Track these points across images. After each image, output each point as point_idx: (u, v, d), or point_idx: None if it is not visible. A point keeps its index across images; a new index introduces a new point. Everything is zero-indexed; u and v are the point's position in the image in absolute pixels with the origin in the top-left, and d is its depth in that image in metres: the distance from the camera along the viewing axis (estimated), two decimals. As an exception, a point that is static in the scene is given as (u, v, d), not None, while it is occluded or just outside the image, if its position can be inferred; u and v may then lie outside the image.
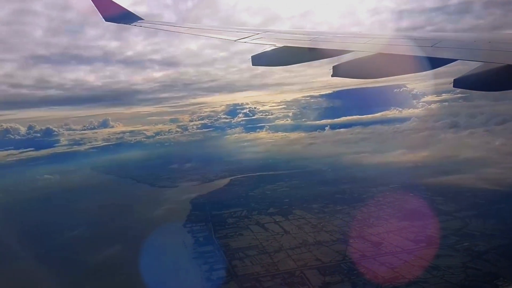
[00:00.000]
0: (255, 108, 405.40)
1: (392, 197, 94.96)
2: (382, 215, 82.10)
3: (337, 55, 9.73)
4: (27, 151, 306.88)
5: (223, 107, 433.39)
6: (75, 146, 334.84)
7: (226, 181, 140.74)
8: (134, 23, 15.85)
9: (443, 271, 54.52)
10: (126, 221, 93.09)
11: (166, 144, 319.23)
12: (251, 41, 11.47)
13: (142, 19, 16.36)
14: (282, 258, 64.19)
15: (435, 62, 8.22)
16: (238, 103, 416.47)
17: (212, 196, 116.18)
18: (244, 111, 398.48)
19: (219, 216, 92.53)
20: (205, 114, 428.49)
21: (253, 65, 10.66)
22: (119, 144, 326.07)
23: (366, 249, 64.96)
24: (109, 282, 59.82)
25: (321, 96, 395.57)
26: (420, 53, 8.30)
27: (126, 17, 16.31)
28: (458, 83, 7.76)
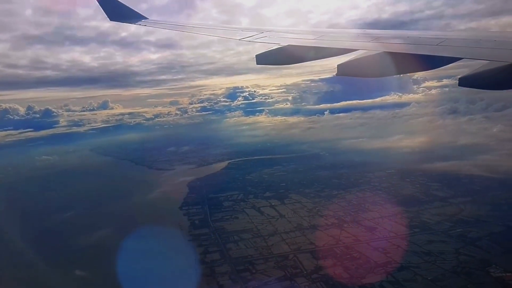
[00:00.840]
0: (254, 91, 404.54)
1: (388, 183, 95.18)
2: (377, 200, 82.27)
3: (342, 54, 9.74)
4: (26, 132, 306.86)
5: (223, 90, 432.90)
6: (74, 127, 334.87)
7: (224, 164, 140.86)
8: (139, 22, 16.12)
9: (436, 257, 54.78)
10: (123, 203, 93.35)
11: (165, 126, 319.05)
12: (255, 40, 11.63)
13: (147, 18, 16.70)
14: (276, 242, 64.51)
15: (440, 61, 8.26)
16: (238, 86, 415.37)
17: (209, 179, 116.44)
18: (244, 94, 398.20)
19: (215, 199, 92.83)
20: (205, 97, 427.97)
21: (257, 64, 10.73)
22: (118, 126, 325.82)
23: (360, 233, 65.25)
24: (101, 263, 60.08)
25: (321, 80, 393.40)
26: (425, 51, 8.33)
27: (130, 16, 16.64)
28: (463, 81, 7.70)
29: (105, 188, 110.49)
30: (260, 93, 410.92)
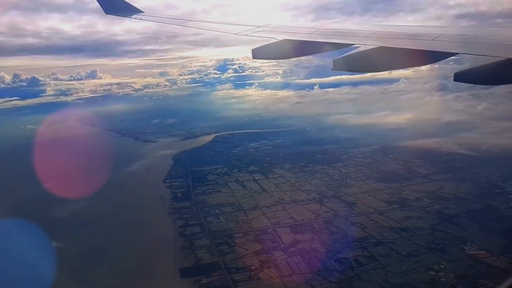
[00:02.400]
0: (245, 64, 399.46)
1: (372, 159, 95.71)
2: (359, 176, 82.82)
3: (338, 49, 9.84)
4: (12, 100, 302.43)
5: (213, 62, 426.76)
6: (61, 97, 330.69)
7: (210, 137, 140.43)
8: (135, 16, 16.26)
9: (411, 233, 55.52)
10: (105, 175, 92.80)
11: (154, 98, 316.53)
12: (252, 34, 11.76)
13: (143, 12, 16.78)
14: (256, 216, 64.83)
15: (436, 56, 8.36)
16: (228, 59, 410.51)
17: (195, 152, 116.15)
18: (234, 67, 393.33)
19: (199, 173, 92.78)
20: (195, 68, 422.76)
21: (253, 58, 10.88)
22: (106, 96, 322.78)
23: (339, 208, 65.79)
24: (76, 234, 60.07)
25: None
26: (421, 46, 8.37)
27: (126, 10, 16.76)
28: (459, 77, 7.73)
29: (89, 159, 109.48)
30: (250, 66, 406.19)
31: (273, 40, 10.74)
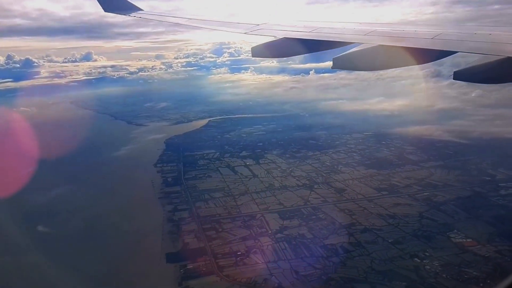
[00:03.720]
0: (241, 48, 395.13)
1: (364, 145, 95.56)
2: (350, 162, 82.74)
3: (337, 47, 9.93)
4: (5, 82, 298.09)
5: (209, 45, 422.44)
6: (55, 79, 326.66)
7: (204, 122, 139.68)
8: (134, 14, 16.44)
9: (399, 220, 55.64)
10: (95, 158, 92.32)
11: (149, 81, 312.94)
12: (251, 33, 11.83)
13: (142, 10, 16.99)
14: (245, 201, 64.78)
15: (435, 55, 8.44)
16: (224, 42, 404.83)
17: (188, 137, 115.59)
18: (230, 50, 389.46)
19: (191, 157, 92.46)
20: (191, 51, 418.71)
21: (253, 56, 10.95)
22: (101, 79, 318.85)
23: (328, 195, 65.81)
24: (62, 219, 59.85)
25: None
26: (420, 45, 8.40)
27: (125, 7, 16.91)
28: (459, 75, 7.72)
29: (80, 142, 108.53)
30: (246, 50, 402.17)
31: (273, 39, 10.77)
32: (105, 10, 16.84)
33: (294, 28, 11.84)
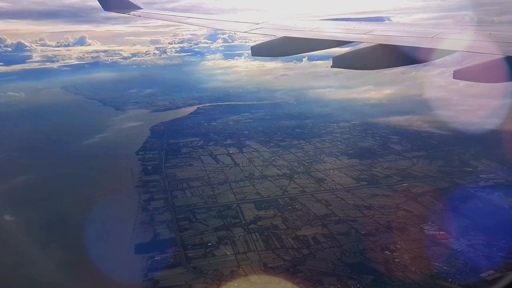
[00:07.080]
0: (235, 34, 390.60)
1: (350, 134, 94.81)
2: (334, 151, 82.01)
3: (337, 46, 9.84)
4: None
5: (204, 30, 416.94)
6: (47, 63, 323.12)
7: (192, 109, 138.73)
8: (133, 13, 16.38)
9: (374, 211, 55.01)
10: (76, 145, 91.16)
11: (142, 66, 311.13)
12: (251, 32, 11.76)
13: (141, 8, 16.98)
14: (223, 191, 64.05)
15: (435, 54, 8.37)
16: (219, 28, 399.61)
17: (174, 124, 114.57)
18: (224, 36, 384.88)
19: (174, 145, 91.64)
20: (186, 37, 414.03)
21: (252, 55, 10.91)
22: (94, 64, 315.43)
23: (307, 185, 65.15)
24: (33, 206, 59.03)
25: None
26: (420, 44, 8.40)
27: (124, 6, 16.80)
28: (458, 75, 7.55)
29: (63, 128, 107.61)
30: (240, 35, 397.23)
31: (272, 38, 10.68)
32: (105, 9, 16.76)
33: (295, 27, 11.89)
